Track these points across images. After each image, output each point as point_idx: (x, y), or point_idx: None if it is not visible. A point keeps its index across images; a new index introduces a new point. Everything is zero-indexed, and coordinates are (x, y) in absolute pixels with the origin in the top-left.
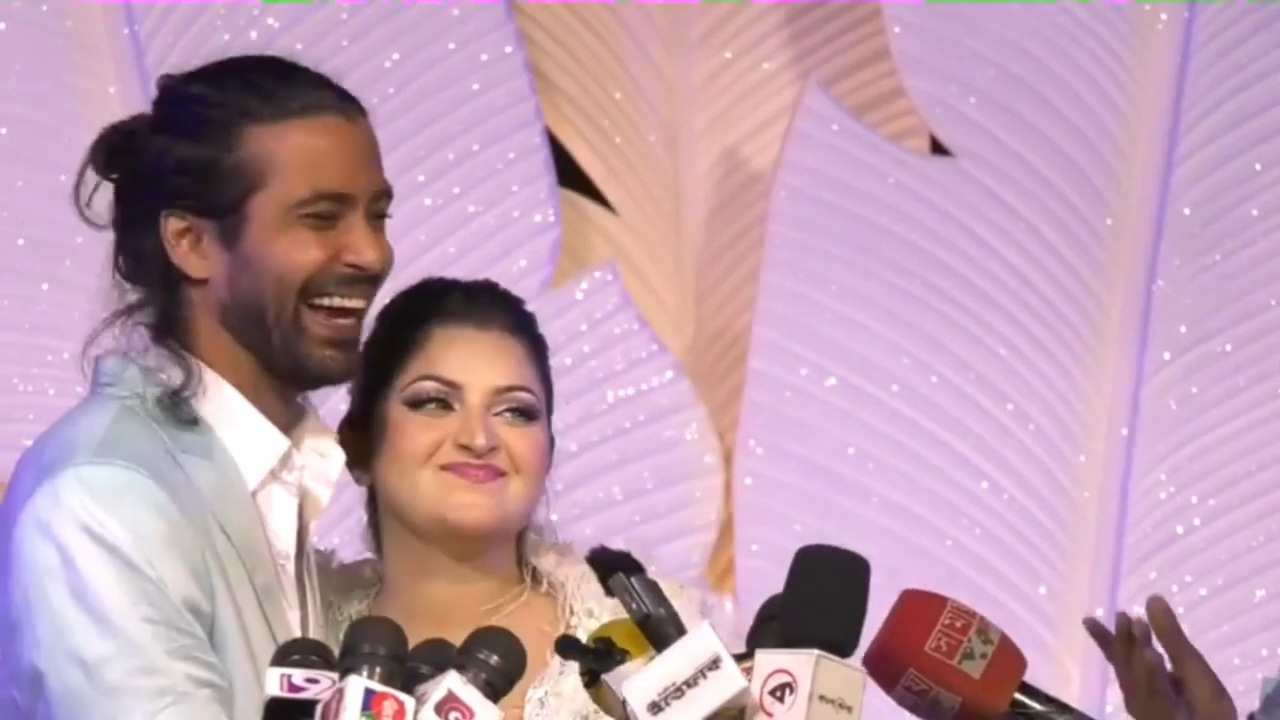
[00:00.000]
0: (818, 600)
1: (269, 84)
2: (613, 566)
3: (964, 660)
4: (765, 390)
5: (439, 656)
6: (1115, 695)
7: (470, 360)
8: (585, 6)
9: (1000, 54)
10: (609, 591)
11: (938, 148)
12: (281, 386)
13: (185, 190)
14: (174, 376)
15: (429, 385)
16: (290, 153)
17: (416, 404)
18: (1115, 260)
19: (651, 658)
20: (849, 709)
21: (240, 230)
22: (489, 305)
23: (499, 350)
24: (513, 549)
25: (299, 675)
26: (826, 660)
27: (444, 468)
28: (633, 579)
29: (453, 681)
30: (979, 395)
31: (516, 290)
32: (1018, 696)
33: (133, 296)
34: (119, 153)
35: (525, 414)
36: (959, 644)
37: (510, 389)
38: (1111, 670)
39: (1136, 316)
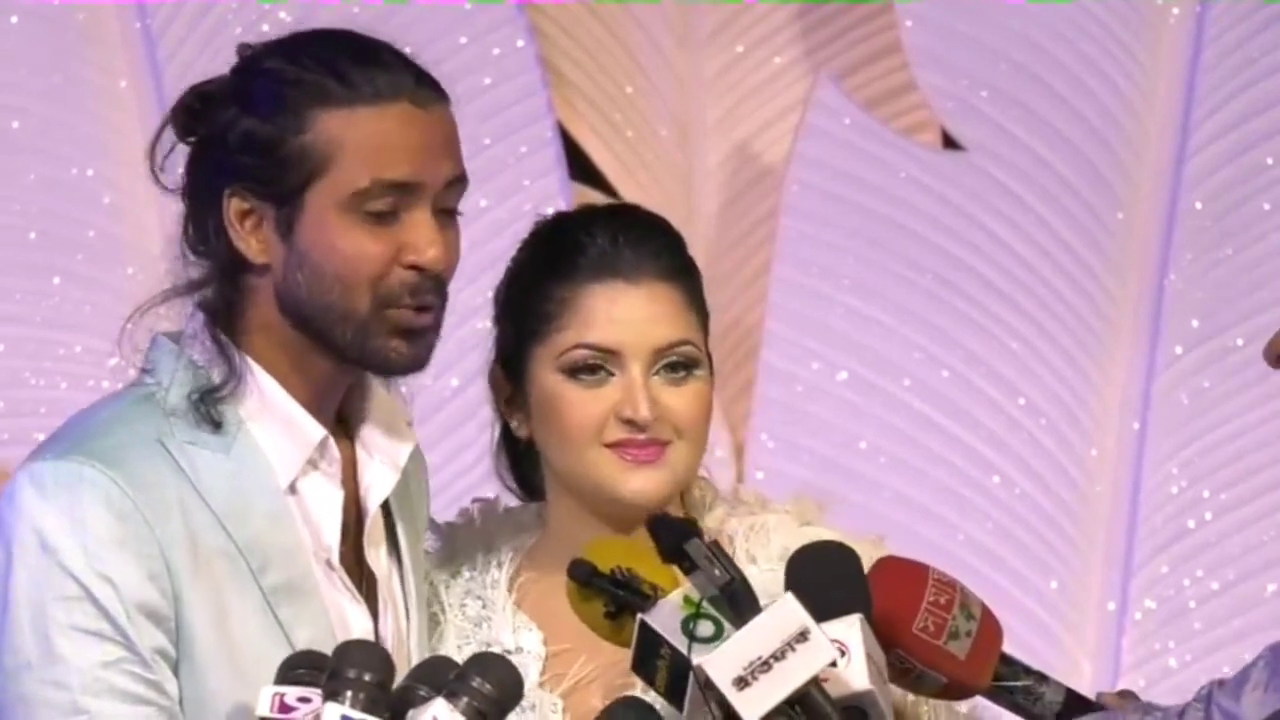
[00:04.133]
0: (828, 580)
1: (345, 65)
2: (679, 531)
3: (950, 640)
4: (777, 384)
5: (437, 679)
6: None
7: (626, 321)
8: (597, 1)
9: (1012, 48)
10: (682, 558)
11: (949, 142)
12: (336, 372)
13: (249, 170)
14: (215, 374)
15: (585, 354)
16: (355, 140)
17: (573, 372)
18: (1127, 254)
19: (689, 596)
20: (881, 671)
21: (296, 220)
22: (637, 247)
23: (655, 304)
24: (676, 502)
25: (292, 694)
26: (865, 623)
27: (611, 445)
28: (709, 544)
29: (439, 709)
30: (991, 389)
31: None
32: (999, 668)
33: (195, 271)
34: (194, 117)
35: (686, 367)
36: (945, 622)
37: (670, 346)
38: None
39: (1148, 311)
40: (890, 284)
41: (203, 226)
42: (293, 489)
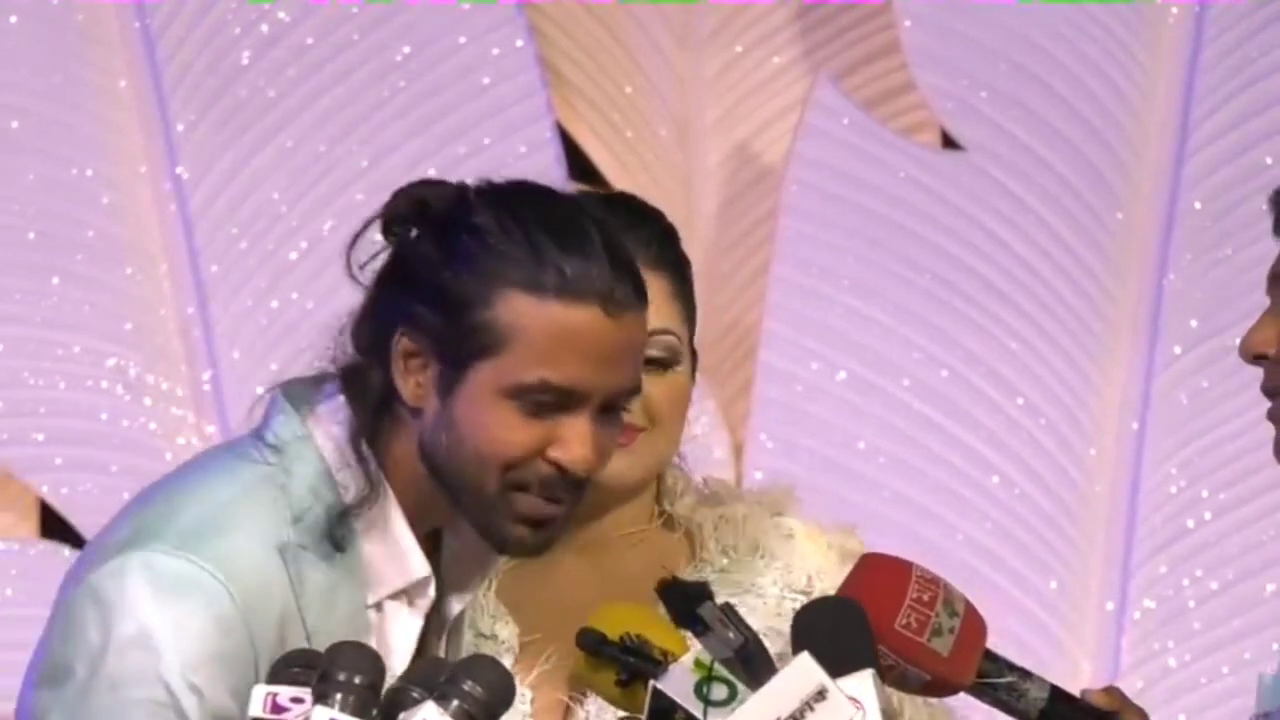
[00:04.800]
0: (832, 635)
1: (548, 245)
2: (690, 595)
3: (933, 637)
4: (776, 384)
5: (429, 681)
6: (1126, 689)
7: None
8: (596, 1)
9: (1011, 48)
10: (693, 622)
11: (949, 142)
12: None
13: (428, 319)
14: (351, 494)
15: None
16: (534, 331)
17: None
18: (1126, 254)
19: (700, 658)
20: None
21: (456, 385)
22: (626, 234)
23: None
24: (650, 488)
25: (285, 694)
26: (877, 677)
27: None
28: (722, 607)
29: (428, 712)
30: (990, 389)
31: None
32: (983, 665)
33: (349, 359)
34: (402, 223)
35: (663, 361)
36: (928, 619)
37: (650, 334)
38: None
39: (1148, 310)
40: (889, 284)
41: (373, 336)
42: (379, 605)
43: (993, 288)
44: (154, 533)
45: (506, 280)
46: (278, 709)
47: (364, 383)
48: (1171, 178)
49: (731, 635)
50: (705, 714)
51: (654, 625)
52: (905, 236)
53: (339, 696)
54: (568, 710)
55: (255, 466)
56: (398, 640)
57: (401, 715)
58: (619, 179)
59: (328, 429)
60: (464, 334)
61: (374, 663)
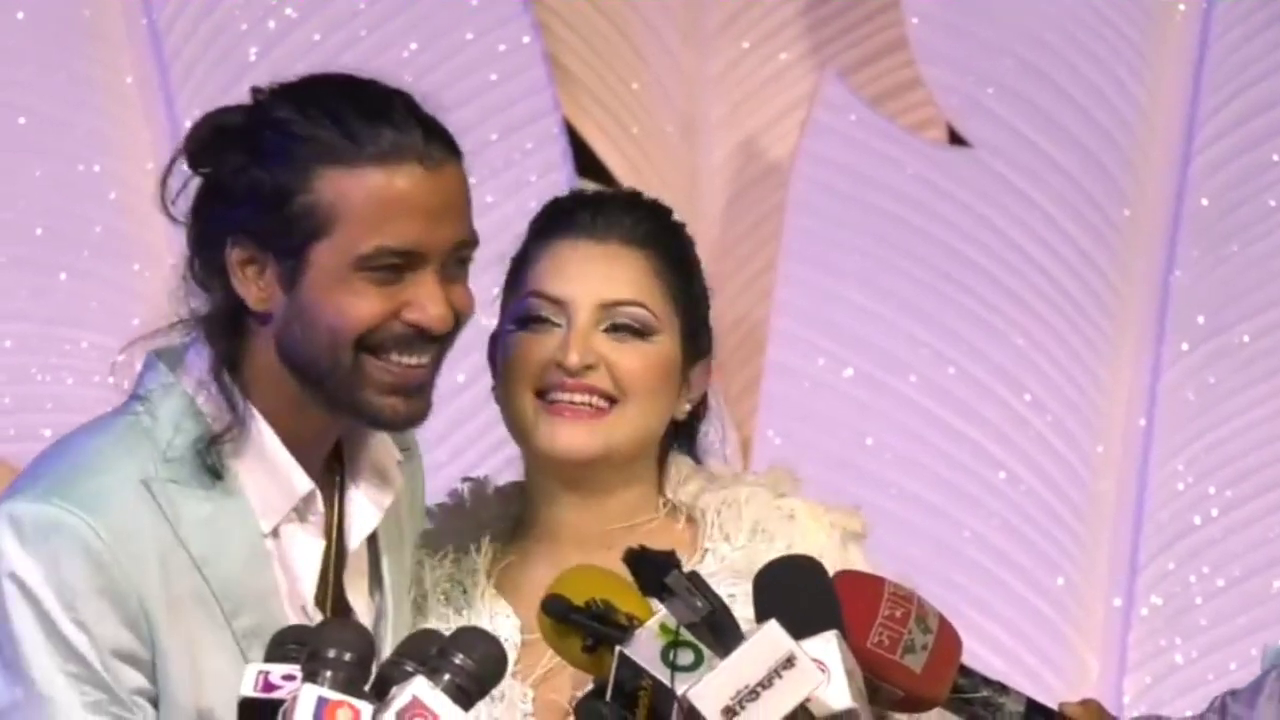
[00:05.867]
0: (798, 595)
1: (354, 120)
2: (658, 565)
3: (906, 654)
4: (783, 380)
5: (422, 654)
6: (1133, 685)
7: (578, 274)
8: None
9: (1018, 44)
10: (659, 590)
11: (955, 138)
12: (335, 422)
13: (253, 220)
14: (218, 421)
15: (533, 302)
16: (360, 203)
17: (524, 323)
18: (1133, 251)
19: (665, 623)
20: (860, 687)
21: (299, 275)
22: (614, 215)
23: (612, 262)
24: (649, 471)
25: (277, 672)
26: (841, 638)
27: (543, 391)
28: (688, 575)
29: (418, 687)
30: (997, 386)
31: None
32: (958, 680)
33: (195, 302)
34: (206, 150)
35: (635, 331)
36: (900, 636)
37: (618, 303)
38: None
39: (1154, 307)
40: (896, 280)
41: (207, 264)
42: (275, 533)
43: (999, 284)
44: (20, 488)
45: (320, 160)
46: (269, 687)
47: (214, 314)
48: (1178, 174)
49: (699, 603)
50: (672, 680)
51: (619, 590)
52: (912, 233)
53: (328, 674)
54: (567, 712)
55: (122, 417)
56: (300, 564)
57: (393, 689)
58: (625, 175)
59: (192, 373)
60: (291, 223)
61: (362, 638)
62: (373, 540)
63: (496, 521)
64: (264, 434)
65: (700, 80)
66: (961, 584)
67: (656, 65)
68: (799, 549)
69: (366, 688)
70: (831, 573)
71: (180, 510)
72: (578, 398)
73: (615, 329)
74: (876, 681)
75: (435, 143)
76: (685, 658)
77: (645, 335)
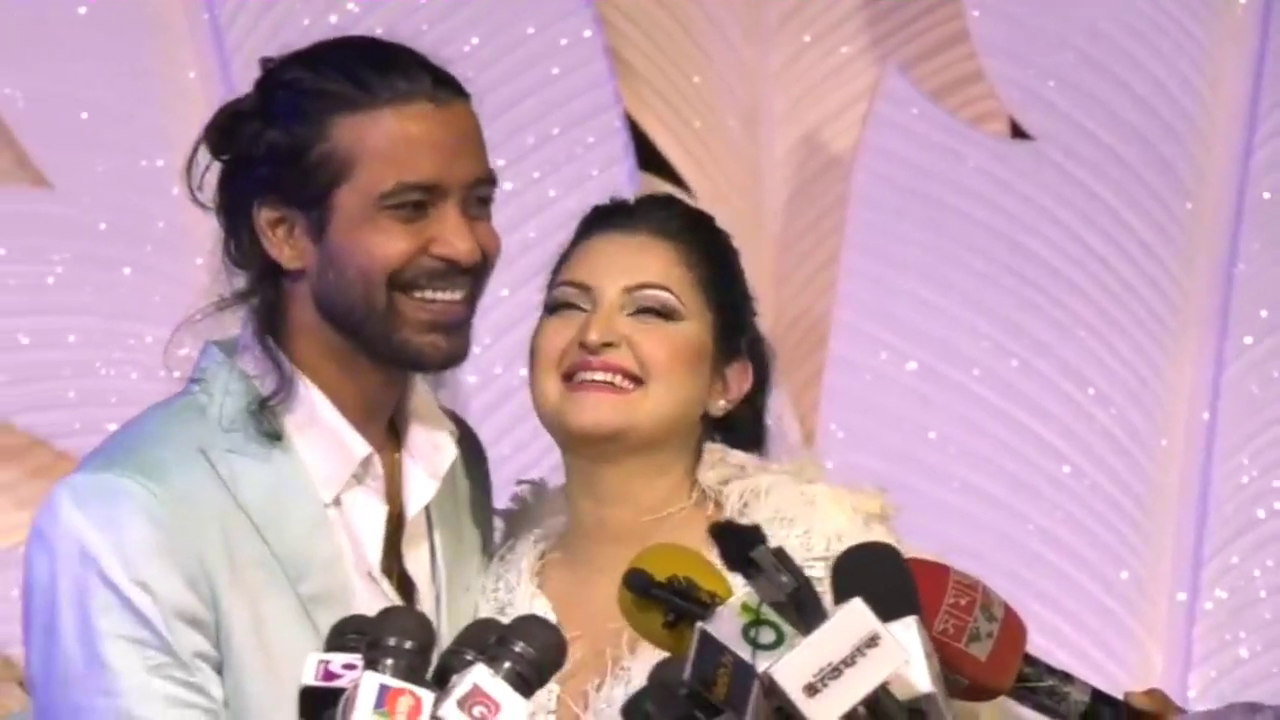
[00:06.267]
0: (877, 582)
1: (362, 70)
2: (744, 539)
3: (971, 642)
4: (845, 374)
5: (482, 643)
6: (1198, 680)
7: (607, 263)
8: None
9: (1079, 37)
10: (744, 564)
11: (1017, 131)
12: (386, 378)
13: (275, 179)
14: (266, 384)
15: (563, 290)
16: (376, 143)
17: (552, 309)
18: (1195, 244)
19: (747, 602)
20: (937, 672)
21: (326, 223)
22: (650, 212)
23: (640, 251)
24: (680, 463)
25: (337, 661)
26: (920, 624)
27: (568, 373)
28: (774, 551)
29: (479, 675)
30: (1060, 379)
31: None
32: (1023, 669)
33: (238, 283)
34: (225, 134)
35: (660, 313)
36: (965, 624)
37: (641, 286)
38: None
39: (1217, 300)
40: (958, 273)
41: (239, 239)
42: (336, 501)
43: (1062, 277)
44: (82, 464)
45: (333, 110)
46: (329, 676)
47: (252, 283)
48: (1240, 167)
49: (784, 579)
50: (753, 657)
51: (701, 568)
52: (974, 226)
53: (389, 662)
54: (587, 708)
55: (179, 398)
56: (364, 530)
57: (454, 678)
58: (687, 169)
59: (242, 349)
60: (312, 173)
61: (423, 627)
62: (427, 515)
63: (545, 522)
64: (315, 399)
65: (762, 74)
66: (1025, 578)
67: (718, 59)
68: (818, 533)
69: (427, 676)
70: None
71: (240, 478)
72: (599, 375)
73: (639, 311)
74: (942, 669)
75: (443, 86)
76: (767, 636)
77: (669, 318)
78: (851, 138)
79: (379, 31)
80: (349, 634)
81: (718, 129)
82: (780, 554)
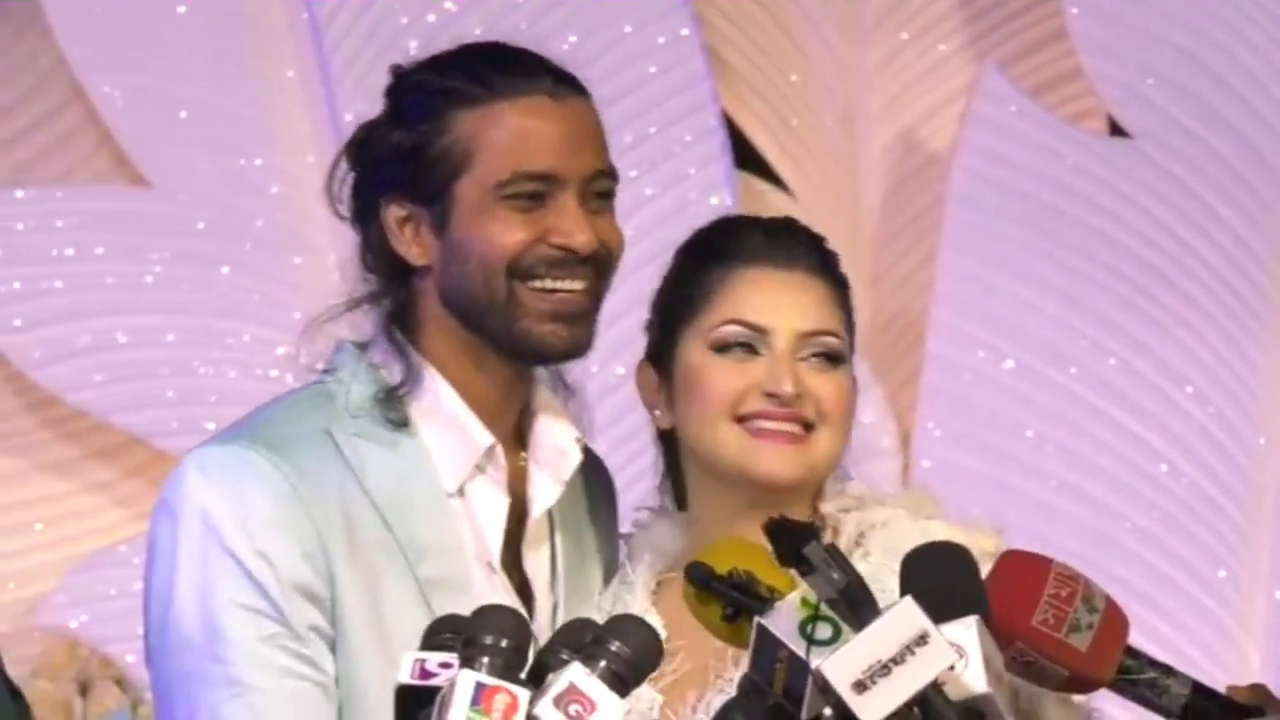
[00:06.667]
0: (944, 581)
1: (484, 68)
2: (797, 535)
3: (1071, 633)
4: (943, 373)
5: (578, 641)
6: None
7: (776, 303)
8: None
9: (1178, 34)
10: (800, 561)
11: (1116, 129)
12: (512, 375)
13: (399, 177)
14: (394, 374)
15: (734, 329)
16: (494, 135)
17: (722, 348)
18: None
19: (807, 598)
20: (999, 673)
21: (448, 216)
22: (791, 244)
23: (804, 292)
24: (811, 494)
25: (433, 660)
26: (982, 625)
27: (748, 418)
28: (826, 547)
29: (575, 673)
30: (1158, 378)
31: None
32: (1125, 661)
33: (372, 285)
34: (360, 146)
35: (832, 358)
36: (1066, 615)
37: (817, 333)
38: None
39: None
40: (1057, 272)
41: (370, 241)
42: (460, 492)
43: (1161, 275)
44: (207, 440)
45: (453, 105)
46: (425, 674)
47: (384, 283)
48: None
49: (835, 575)
50: (808, 652)
51: (764, 563)
52: (1073, 224)
53: (485, 660)
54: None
55: (310, 385)
56: (486, 521)
57: (549, 676)
58: (784, 167)
59: (372, 343)
60: (433, 166)
61: (519, 625)
62: (550, 520)
63: (664, 544)
64: (441, 389)
65: (859, 72)
66: (1122, 576)
67: (816, 57)
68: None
69: (522, 675)
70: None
71: (365, 461)
72: (785, 426)
73: (815, 357)
74: (1042, 660)
75: (564, 84)
76: (824, 632)
77: (837, 363)
78: (949, 136)
79: (477, 30)
80: (444, 633)
81: (815, 127)
82: (833, 550)
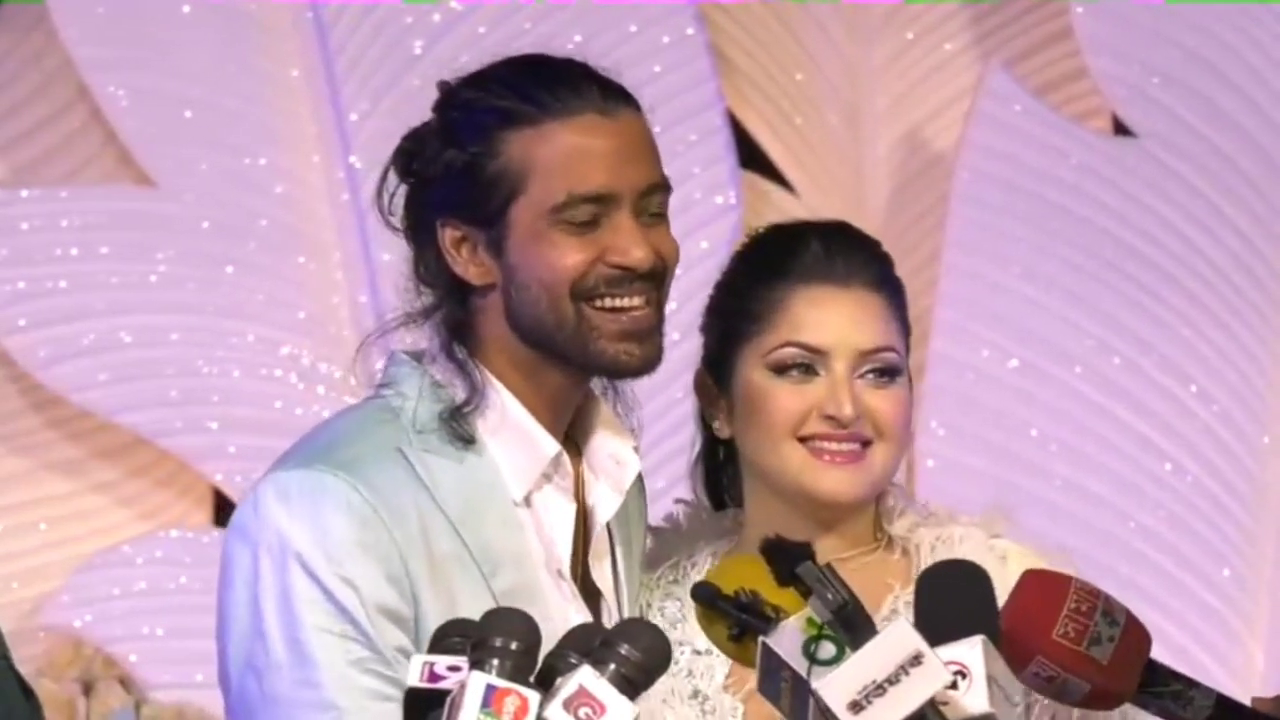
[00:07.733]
0: (955, 600)
1: (531, 86)
2: (791, 555)
3: (1091, 646)
4: (947, 372)
5: (587, 646)
6: None
7: (835, 323)
8: None
9: (1184, 34)
10: (796, 581)
11: (1120, 128)
12: (569, 384)
13: (454, 199)
14: (459, 392)
15: (793, 352)
16: (546, 157)
17: (780, 370)
18: None
19: (812, 618)
20: (1007, 693)
21: (505, 239)
22: (849, 257)
23: (863, 310)
24: (872, 507)
25: (442, 663)
26: (989, 644)
27: (809, 438)
28: (823, 568)
29: (585, 676)
30: (1162, 376)
31: (696, 274)
32: (1147, 675)
33: (428, 299)
34: (409, 157)
35: (889, 373)
36: (1086, 628)
37: (875, 351)
38: None
39: None
40: (1061, 271)
41: (425, 258)
42: (527, 501)
43: (1165, 275)
44: (281, 461)
45: (504, 126)
46: (434, 677)
47: (441, 300)
48: None
49: (830, 595)
50: (809, 672)
51: (770, 582)
52: (1077, 223)
53: (495, 662)
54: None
55: (372, 401)
56: (555, 529)
57: (558, 680)
58: (789, 166)
59: (430, 359)
60: (487, 190)
61: (530, 628)
62: (609, 531)
63: (711, 544)
64: (505, 401)
65: (864, 71)
66: (1127, 575)
67: (820, 56)
68: (1006, 593)
69: (532, 678)
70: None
71: (436, 475)
72: (845, 446)
73: (874, 373)
74: (1064, 675)
75: (612, 96)
76: (828, 652)
77: (895, 376)
78: (954, 135)
79: (481, 30)
80: (453, 636)
81: (820, 126)
82: (828, 570)
